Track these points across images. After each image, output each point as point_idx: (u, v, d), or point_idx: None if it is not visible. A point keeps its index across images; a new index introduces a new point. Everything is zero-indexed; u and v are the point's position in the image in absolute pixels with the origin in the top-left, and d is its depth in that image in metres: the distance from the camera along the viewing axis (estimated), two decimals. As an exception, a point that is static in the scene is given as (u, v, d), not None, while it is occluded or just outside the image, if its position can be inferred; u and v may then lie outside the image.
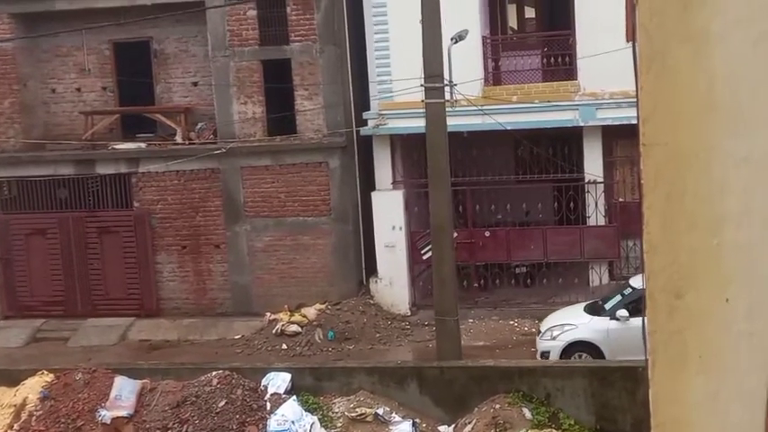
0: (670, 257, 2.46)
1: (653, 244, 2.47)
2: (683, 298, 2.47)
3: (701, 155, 2.39)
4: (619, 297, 18.38)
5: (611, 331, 17.78)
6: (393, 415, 16.78)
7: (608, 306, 18.24)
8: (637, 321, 17.24)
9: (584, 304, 19.10)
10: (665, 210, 2.44)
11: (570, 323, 18.25)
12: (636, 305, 17.63)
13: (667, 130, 2.42)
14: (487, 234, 22.36)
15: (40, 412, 17.31)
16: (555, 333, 18.18)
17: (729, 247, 2.44)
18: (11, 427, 17.25)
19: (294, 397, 16.97)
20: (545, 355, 18.25)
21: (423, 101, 17.56)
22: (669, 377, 2.52)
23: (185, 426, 16.63)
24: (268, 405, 16.79)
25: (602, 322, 17.97)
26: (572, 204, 21.73)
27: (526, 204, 22.80)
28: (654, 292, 2.52)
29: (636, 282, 18.46)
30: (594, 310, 18.44)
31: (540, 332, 18.66)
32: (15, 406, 17.46)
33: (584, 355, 17.97)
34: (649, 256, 2.49)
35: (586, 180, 21.49)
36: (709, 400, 2.50)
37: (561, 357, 17.95)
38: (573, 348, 18.03)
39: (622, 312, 17.67)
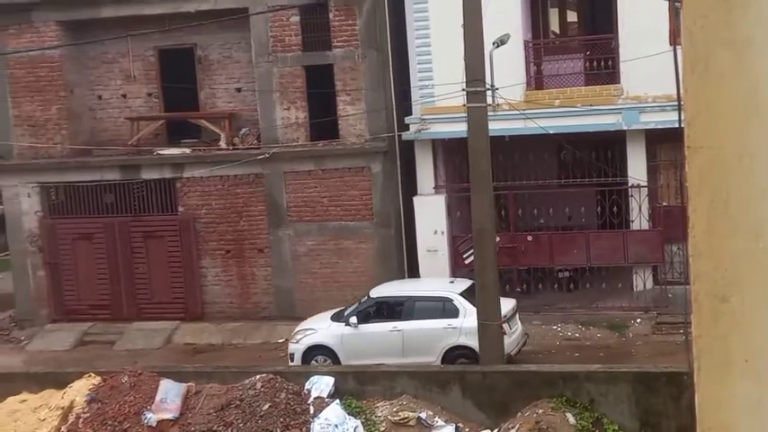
0: (715, 261, 2.46)
1: (698, 248, 2.48)
2: (728, 302, 2.47)
3: (745, 159, 2.40)
4: (356, 305, 19.55)
5: (345, 336, 19.06)
6: (436, 419, 16.76)
7: (346, 313, 19.35)
8: (366, 327, 18.80)
9: (334, 311, 20.08)
10: (710, 213, 2.44)
11: (312, 328, 19.50)
12: (367, 313, 19.04)
13: (712, 133, 2.43)
14: (530, 238, 22.29)
15: (87, 414, 17.53)
16: (298, 337, 19.48)
17: (775, 251, 2.43)
18: (58, 429, 17.48)
19: (337, 401, 17.02)
20: (291, 357, 19.47)
21: (464, 105, 17.55)
22: (715, 382, 2.52)
23: (230, 429, 16.75)
24: (311, 409, 16.86)
25: (339, 328, 19.23)
26: (615, 208, 21.58)
27: (569, 209, 22.70)
28: (699, 295, 2.52)
29: (374, 292, 19.69)
30: (338, 316, 19.54)
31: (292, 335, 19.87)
32: (63, 408, 17.70)
33: (325, 358, 19.11)
34: (695, 259, 2.49)
35: (630, 184, 21.34)
36: (755, 404, 2.50)
37: (303, 360, 19.20)
38: (313, 352, 19.25)
39: (353, 319, 18.99)
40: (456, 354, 18.54)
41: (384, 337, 18.74)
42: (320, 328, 19.40)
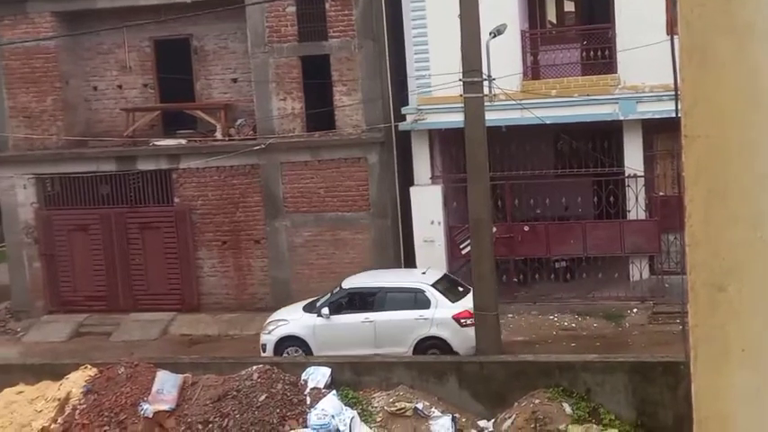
0: (712, 250, 2.45)
1: (695, 237, 2.46)
2: (725, 291, 2.46)
3: (743, 148, 2.38)
4: (328, 296, 19.64)
5: (317, 327, 19.17)
6: (432, 409, 16.79)
7: (318, 304, 19.42)
8: (338, 318, 18.91)
9: (306, 302, 20.15)
10: (707, 203, 2.43)
11: (284, 319, 19.57)
12: (339, 304, 19.19)
13: (709, 122, 2.41)
14: (527, 229, 22.29)
15: (84, 406, 17.54)
16: (270, 328, 19.61)
17: (772, 240, 2.42)
18: (55, 420, 17.49)
19: (334, 391, 17.04)
20: (263, 347, 19.53)
21: (461, 95, 17.54)
22: (711, 372, 2.51)
23: (226, 420, 16.76)
24: (308, 399, 16.88)
25: (311, 319, 19.32)
26: (612, 198, 21.59)
27: (565, 199, 22.70)
28: (696, 285, 2.51)
29: (346, 283, 19.76)
30: (310, 307, 19.62)
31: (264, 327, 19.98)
32: (59, 399, 17.70)
33: (297, 349, 19.23)
34: (691, 249, 2.48)
35: (626, 174, 21.34)
36: (752, 394, 2.49)
37: (275, 351, 19.26)
38: (285, 342, 19.38)
39: (325, 310, 19.11)
40: (427, 344, 18.68)
41: (356, 328, 18.83)
42: (292, 319, 19.49)
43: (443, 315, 18.47)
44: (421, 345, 18.63)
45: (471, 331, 18.44)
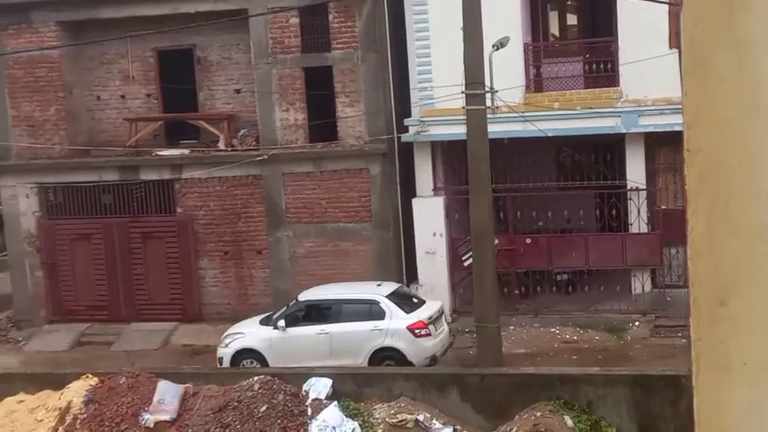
0: (714, 264, 2.45)
1: (697, 250, 2.46)
2: (727, 305, 2.46)
3: (746, 161, 2.38)
4: (284, 308, 19.76)
5: (273, 339, 19.28)
6: (434, 421, 16.75)
7: (275, 317, 19.52)
8: (294, 331, 19.01)
9: (263, 315, 20.22)
10: (710, 216, 2.43)
11: (240, 332, 19.69)
12: (296, 316, 19.30)
13: (711, 136, 2.42)
14: (528, 241, 22.29)
15: (85, 416, 17.51)
16: (227, 341, 19.71)
17: (775, 254, 2.42)
18: (56, 429, 17.46)
19: (335, 402, 17.01)
20: (220, 361, 19.67)
21: (464, 108, 17.56)
22: (713, 386, 2.50)
23: (227, 430, 16.73)
24: (309, 410, 16.85)
25: (267, 332, 19.43)
26: (614, 211, 21.59)
27: (567, 211, 22.69)
28: (698, 299, 2.51)
29: (303, 296, 19.92)
30: (267, 320, 19.71)
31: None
32: (60, 409, 17.67)
33: (253, 361, 19.33)
34: (693, 262, 2.48)
35: (629, 187, 21.34)
36: (754, 408, 2.49)
37: (231, 364, 19.39)
38: (241, 356, 19.47)
39: (281, 323, 19.22)
40: (382, 355, 18.80)
41: (312, 340, 18.94)
42: (249, 333, 19.60)
43: (398, 326, 18.62)
44: (376, 355, 18.78)
45: (426, 342, 18.65)
